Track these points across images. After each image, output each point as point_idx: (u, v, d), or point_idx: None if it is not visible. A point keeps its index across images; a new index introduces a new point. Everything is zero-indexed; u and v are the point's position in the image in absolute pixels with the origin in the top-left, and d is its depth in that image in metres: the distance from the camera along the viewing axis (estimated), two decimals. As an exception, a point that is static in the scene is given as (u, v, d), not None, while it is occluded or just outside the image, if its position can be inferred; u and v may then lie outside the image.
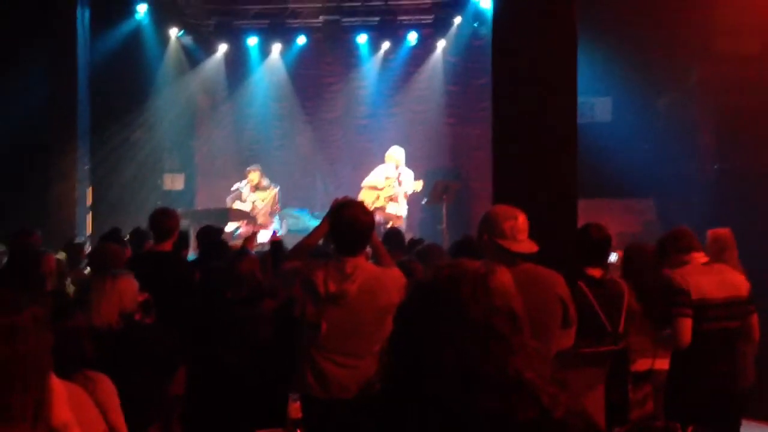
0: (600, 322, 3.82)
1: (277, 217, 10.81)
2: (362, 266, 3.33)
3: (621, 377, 4.00)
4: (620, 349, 3.92)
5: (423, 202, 10.53)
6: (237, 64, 12.45)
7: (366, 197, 10.30)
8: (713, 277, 3.88)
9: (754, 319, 4.02)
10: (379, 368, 1.57)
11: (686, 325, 3.78)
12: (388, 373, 1.49)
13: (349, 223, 3.36)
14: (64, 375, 2.49)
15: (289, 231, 10.71)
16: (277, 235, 6.23)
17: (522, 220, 3.34)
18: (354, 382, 3.17)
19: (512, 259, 3.26)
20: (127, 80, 10.73)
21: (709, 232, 4.95)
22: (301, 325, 3.41)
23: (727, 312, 3.85)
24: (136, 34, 11.17)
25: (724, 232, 4.95)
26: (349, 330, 3.26)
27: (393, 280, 3.35)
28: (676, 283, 3.83)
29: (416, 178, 10.38)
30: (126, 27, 10.93)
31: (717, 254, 4.56)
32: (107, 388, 2.82)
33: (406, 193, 10.17)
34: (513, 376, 1.38)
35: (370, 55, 12.44)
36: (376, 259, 3.65)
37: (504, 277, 1.53)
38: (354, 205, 3.49)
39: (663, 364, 4.15)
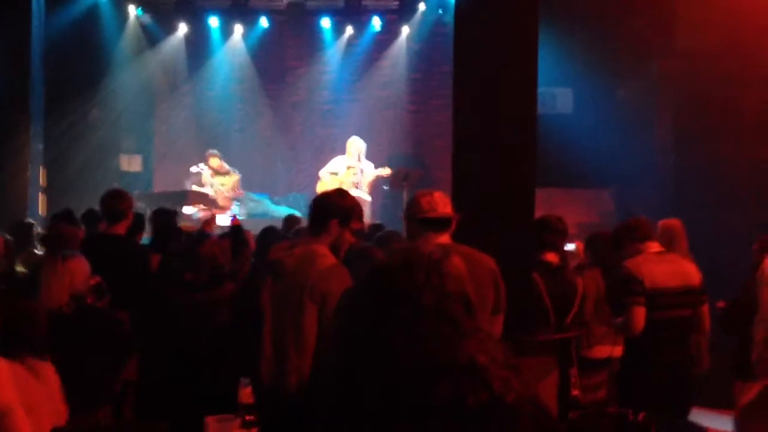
0: (547, 314, 3.90)
1: (238, 201, 10.72)
2: (310, 244, 3.25)
3: (564, 366, 4.06)
4: (566, 338, 3.98)
5: (384, 188, 10.54)
6: (198, 45, 12.23)
7: (324, 187, 10.26)
8: (666, 266, 3.95)
9: (705, 308, 4.11)
10: (325, 355, 1.55)
11: (639, 313, 3.84)
12: (337, 359, 1.47)
13: (314, 202, 3.33)
14: (11, 356, 2.43)
15: (249, 216, 10.61)
16: (237, 218, 6.15)
17: (438, 195, 3.39)
18: (299, 371, 3.10)
19: (435, 228, 3.28)
20: (83, 58, 10.48)
21: (660, 223, 5.03)
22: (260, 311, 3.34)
23: (679, 300, 3.93)
24: (94, 10, 10.89)
25: (674, 222, 5.04)
26: (288, 311, 3.17)
27: (325, 262, 3.19)
28: (629, 272, 3.90)
29: (377, 165, 10.37)
30: (83, 2, 10.65)
31: (667, 244, 4.64)
32: (51, 375, 2.76)
33: (373, 177, 10.18)
34: (465, 361, 1.37)
35: (334, 40, 12.35)
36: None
37: (458, 261, 1.52)
38: (335, 189, 3.47)
39: (621, 351, 4.22)
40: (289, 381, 3.01)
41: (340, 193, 3.38)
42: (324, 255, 3.19)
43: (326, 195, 3.36)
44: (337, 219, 3.23)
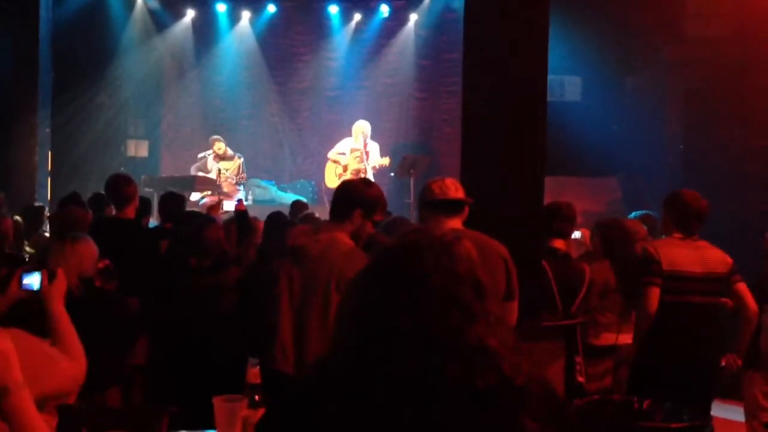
0: (554, 301, 3.88)
1: (242, 186, 10.75)
2: (333, 232, 3.23)
3: (569, 353, 4.04)
4: (571, 325, 3.96)
5: (391, 174, 10.55)
6: (205, 31, 12.21)
7: (332, 170, 10.29)
8: (688, 252, 3.86)
9: (740, 288, 3.93)
10: (334, 339, 1.54)
11: (653, 294, 3.78)
12: (345, 343, 1.46)
13: (339, 188, 3.31)
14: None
15: (255, 202, 10.64)
16: (243, 203, 6.16)
17: (450, 180, 3.40)
18: (310, 353, 3.08)
19: (446, 212, 3.29)
20: (90, 43, 10.50)
21: None
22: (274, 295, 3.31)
23: (699, 287, 3.84)
24: (101, -6, 10.92)
25: None
26: (305, 296, 3.15)
27: (352, 251, 3.17)
28: (646, 253, 3.85)
29: (384, 152, 10.38)
30: (91, -13, 10.67)
31: None
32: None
33: (374, 167, 10.16)
34: (474, 343, 1.37)
35: (342, 26, 12.31)
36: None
37: (469, 245, 1.51)
38: (361, 179, 3.44)
39: (626, 338, 4.19)
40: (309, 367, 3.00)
41: (367, 183, 3.34)
42: (347, 244, 3.16)
43: (352, 183, 3.32)
44: (362, 209, 3.18)
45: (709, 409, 3.90)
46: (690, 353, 3.84)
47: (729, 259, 3.96)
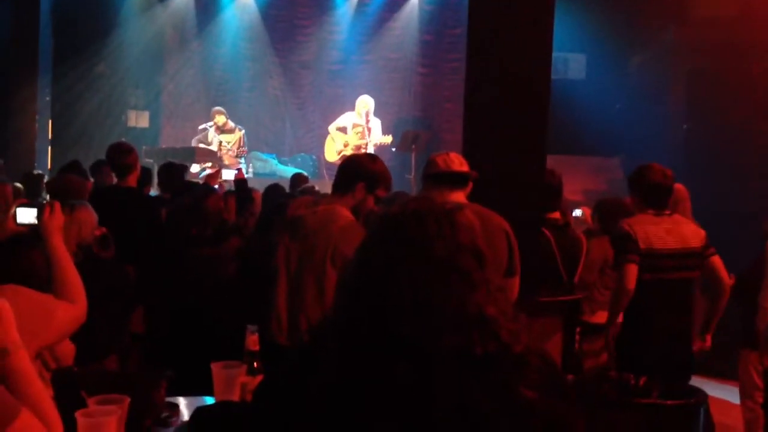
0: (558, 272, 3.87)
1: (243, 159, 10.74)
2: (332, 204, 3.18)
3: (571, 327, 4.04)
4: (575, 299, 3.95)
5: (392, 150, 10.53)
6: (207, 1, 12.12)
7: (332, 144, 10.25)
8: (663, 228, 3.84)
9: (715, 261, 3.91)
10: (332, 306, 1.53)
11: (631, 271, 3.73)
12: (344, 311, 1.45)
13: (344, 161, 3.29)
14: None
15: (255, 174, 10.63)
16: (242, 172, 6.15)
17: (454, 154, 3.39)
18: (304, 326, 3.05)
19: (449, 184, 3.29)
20: (91, 11, 10.40)
21: None
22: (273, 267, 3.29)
23: (676, 263, 3.82)
24: (103, -38, 10.81)
25: (679, 186, 5.01)
26: (301, 269, 3.12)
27: (349, 224, 3.11)
28: (623, 231, 3.81)
29: (386, 126, 10.34)
30: (92, -45, 10.56)
31: (671, 207, 4.61)
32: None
33: (375, 144, 10.14)
34: (474, 312, 1.36)
35: (345, -1, 12.23)
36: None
37: (471, 215, 1.50)
38: (366, 153, 3.42)
39: (620, 316, 4.19)
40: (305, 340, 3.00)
41: (372, 158, 3.30)
42: (347, 217, 3.12)
43: (357, 157, 3.31)
44: (365, 183, 3.14)
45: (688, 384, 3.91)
46: (669, 330, 3.80)
47: (702, 232, 3.94)
